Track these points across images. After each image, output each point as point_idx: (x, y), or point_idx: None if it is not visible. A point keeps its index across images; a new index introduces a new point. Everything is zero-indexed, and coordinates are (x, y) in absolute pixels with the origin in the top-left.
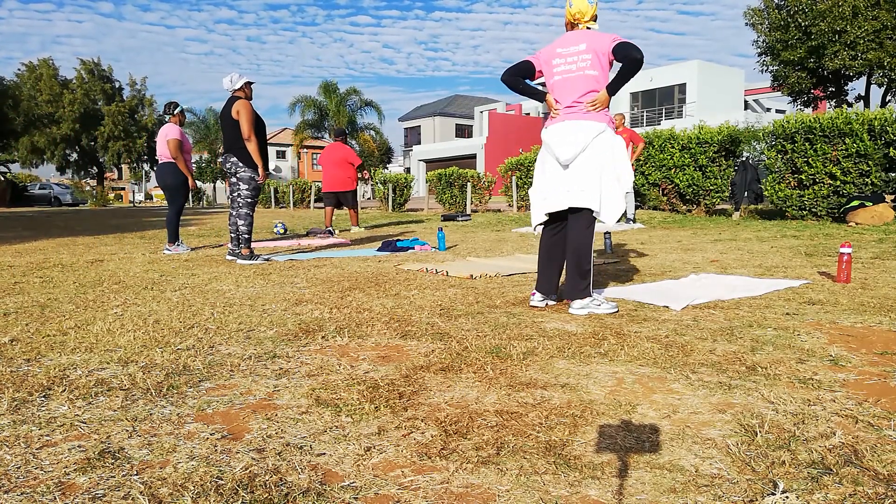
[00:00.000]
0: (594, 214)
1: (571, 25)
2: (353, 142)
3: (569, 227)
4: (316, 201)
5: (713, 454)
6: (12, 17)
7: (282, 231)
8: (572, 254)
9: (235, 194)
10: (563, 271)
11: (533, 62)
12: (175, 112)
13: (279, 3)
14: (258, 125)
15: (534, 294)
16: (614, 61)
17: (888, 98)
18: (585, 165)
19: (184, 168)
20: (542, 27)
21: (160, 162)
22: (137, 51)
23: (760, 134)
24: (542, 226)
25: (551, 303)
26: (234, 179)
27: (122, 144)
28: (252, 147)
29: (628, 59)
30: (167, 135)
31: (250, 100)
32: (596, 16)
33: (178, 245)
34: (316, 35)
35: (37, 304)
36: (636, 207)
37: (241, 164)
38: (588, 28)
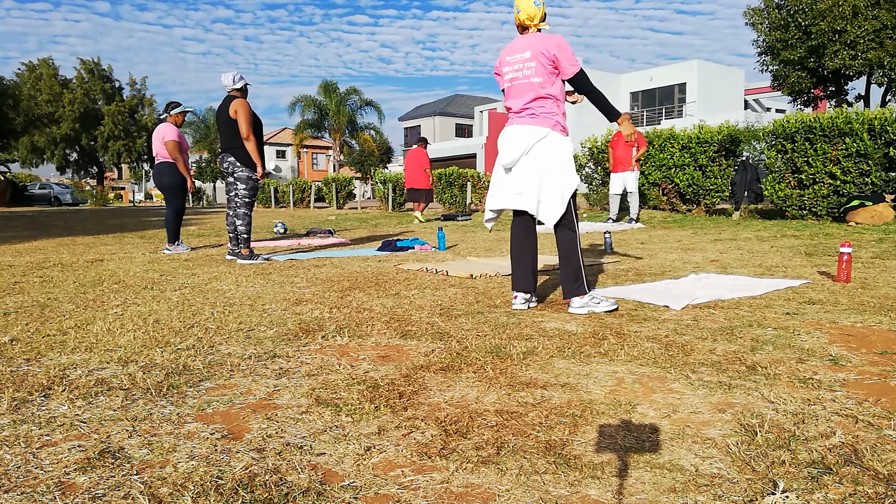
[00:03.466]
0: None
1: (522, 28)
2: (354, 141)
3: (555, 231)
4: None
5: (713, 454)
6: (9, 16)
7: (282, 231)
8: (562, 256)
9: (233, 194)
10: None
11: (498, 80)
12: (173, 112)
13: (276, 2)
14: (255, 124)
15: (515, 297)
16: (558, 60)
17: (888, 98)
18: (526, 169)
19: (183, 169)
20: None
21: (157, 162)
22: (135, 50)
23: (760, 133)
24: (492, 222)
25: (533, 305)
26: (231, 179)
27: (122, 144)
28: (251, 146)
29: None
30: (164, 136)
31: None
32: (545, 15)
33: (177, 245)
34: (314, 35)
35: (37, 303)
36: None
37: (238, 164)
38: (539, 30)
